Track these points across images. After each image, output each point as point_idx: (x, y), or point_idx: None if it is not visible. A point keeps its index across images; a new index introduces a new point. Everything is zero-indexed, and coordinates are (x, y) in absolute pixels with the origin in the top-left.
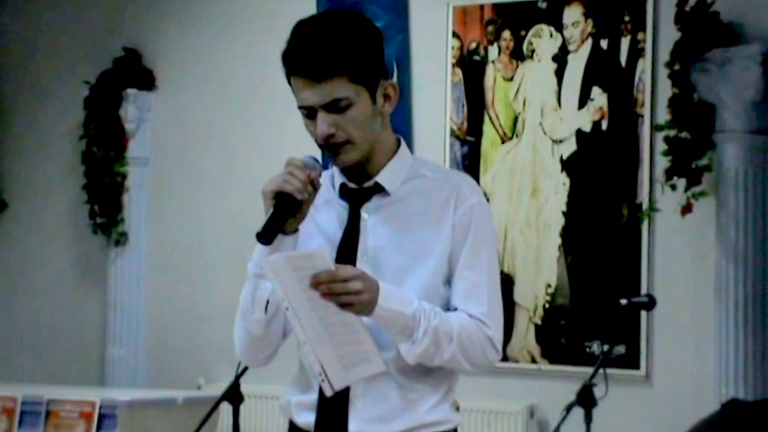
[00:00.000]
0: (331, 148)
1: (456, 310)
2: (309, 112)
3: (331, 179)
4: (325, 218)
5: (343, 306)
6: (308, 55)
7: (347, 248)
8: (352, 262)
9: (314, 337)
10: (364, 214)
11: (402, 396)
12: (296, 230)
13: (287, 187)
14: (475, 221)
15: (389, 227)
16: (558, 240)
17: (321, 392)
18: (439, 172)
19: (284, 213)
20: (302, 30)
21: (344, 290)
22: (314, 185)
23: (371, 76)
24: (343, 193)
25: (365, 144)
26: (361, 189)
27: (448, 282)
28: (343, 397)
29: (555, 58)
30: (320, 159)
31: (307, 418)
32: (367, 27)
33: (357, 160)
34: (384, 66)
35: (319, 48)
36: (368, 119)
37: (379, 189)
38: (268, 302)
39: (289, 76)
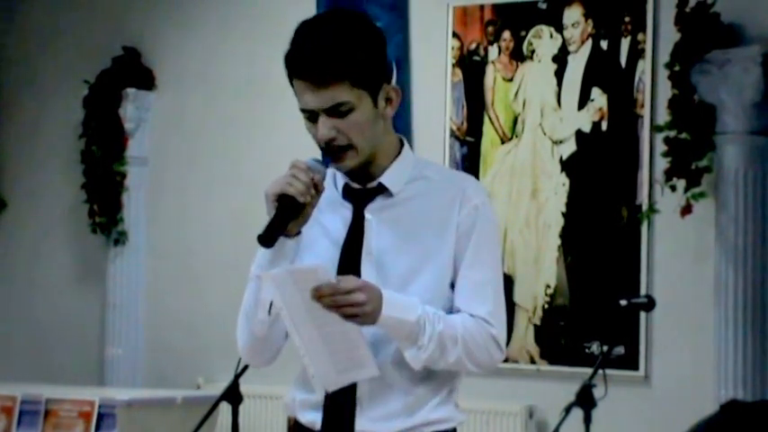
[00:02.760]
0: (332, 152)
1: (459, 311)
2: (311, 116)
3: (333, 179)
4: (328, 219)
5: (347, 317)
6: (310, 59)
7: (351, 250)
8: (357, 263)
9: (310, 344)
10: (368, 215)
11: (407, 395)
12: (298, 233)
13: (290, 190)
14: (479, 222)
15: (394, 228)
16: (558, 241)
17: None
18: (443, 173)
19: (286, 216)
20: (305, 32)
21: (347, 302)
22: (317, 188)
23: (373, 80)
24: (347, 193)
25: (366, 148)
26: (364, 190)
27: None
28: (349, 396)
29: (555, 59)
30: (322, 160)
31: (312, 417)
32: (370, 30)
33: (358, 165)
34: (386, 69)
35: (322, 52)
36: (369, 123)
37: (382, 190)
38: (272, 304)
39: (291, 78)
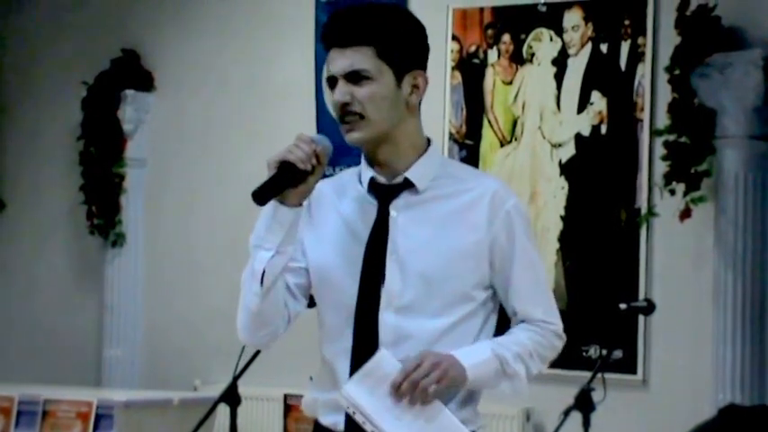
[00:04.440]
0: (344, 121)
1: (516, 313)
2: (332, 83)
3: (358, 175)
4: (352, 215)
5: (440, 391)
6: (340, 23)
7: (376, 247)
8: (381, 261)
9: None
10: (393, 212)
11: None
12: (299, 205)
13: (290, 156)
14: (517, 224)
15: (420, 227)
16: (557, 245)
17: None
18: (469, 173)
19: (284, 179)
20: (343, 8)
21: (435, 379)
22: (319, 159)
23: (400, 58)
24: (372, 188)
25: (379, 123)
26: (390, 185)
27: (489, 287)
28: None
29: (554, 62)
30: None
31: (333, 419)
32: (408, 16)
33: (368, 139)
34: (421, 58)
35: (352, 17)
36: (387, 99)
37: (408, 185)
38: (264, 274)
39: (326, 52)
